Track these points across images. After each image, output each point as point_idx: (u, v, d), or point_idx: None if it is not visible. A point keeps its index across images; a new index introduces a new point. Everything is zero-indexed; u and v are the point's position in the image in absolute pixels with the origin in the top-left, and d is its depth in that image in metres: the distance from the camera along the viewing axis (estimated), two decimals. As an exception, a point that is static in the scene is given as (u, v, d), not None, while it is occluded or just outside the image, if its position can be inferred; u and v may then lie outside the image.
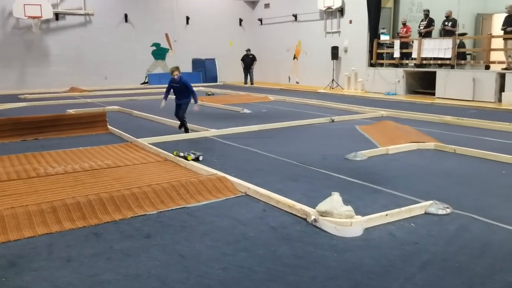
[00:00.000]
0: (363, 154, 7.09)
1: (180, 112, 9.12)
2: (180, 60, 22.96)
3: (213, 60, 23.15)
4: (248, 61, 22.12)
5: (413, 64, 16.57)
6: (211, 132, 9.07)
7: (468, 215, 4.55)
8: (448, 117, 10.55)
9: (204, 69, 23.03)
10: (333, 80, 18.96)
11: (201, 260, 3.68)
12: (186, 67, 23.22)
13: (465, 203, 4.91)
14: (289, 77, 22.63)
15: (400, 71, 16.61)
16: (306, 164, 6.69)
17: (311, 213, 4.46)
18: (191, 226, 4.41)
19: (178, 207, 4.89)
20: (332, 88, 18.70)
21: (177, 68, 8.99)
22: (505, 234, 4.12)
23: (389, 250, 3.83)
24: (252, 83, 21.93)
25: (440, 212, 4.59)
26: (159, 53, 22.81)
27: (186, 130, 9.23)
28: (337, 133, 9.23)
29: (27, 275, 3.47)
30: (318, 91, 18.14)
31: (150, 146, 7.69)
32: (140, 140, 8.17)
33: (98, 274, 3.47)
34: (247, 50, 22.24)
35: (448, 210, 4.63)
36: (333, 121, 10.67)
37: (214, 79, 23.02)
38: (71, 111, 11.68)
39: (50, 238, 4.15)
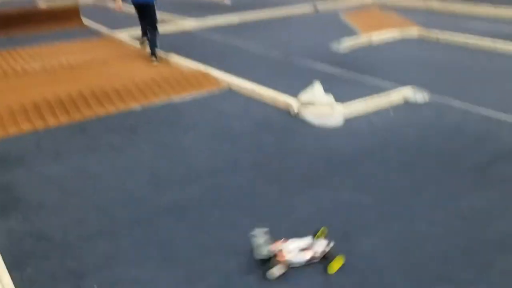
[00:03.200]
0: (347, 44, 7.02)
1: (149, 25, 6.43)
2: None
3: None
4: None
5: None
6: (192, 25, 8.77)
7: (445, 101, 4.68)
8: (434, 3, 10.26)
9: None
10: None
11: (187, 151, 3.81)
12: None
13: (443, 89, 5.01)
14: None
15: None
16: (289, 55, 6.63)
17: (294, 104, 4.53)
18: (176, 120, 4.48)
19: (162, 102, 4.91)
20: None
21: None
22: (479, 118, 4.29)
23: (367, 136, 3.99)
24: None
25: (419, 98, 4.71)
26: None
27: (153, 53, 6.33)
28: (321, 23, 9.01)
29: (19, 170, 3.57)
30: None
31: (130, 40, 7.46)
32: (118, 33, 7.89)
33: (88, 167, 3.58)
34: None
35: (426, 97, 4.74)
36: (317, 9, 10.33)
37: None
38: (42, 5, 11.04)
39: (37, 135, 4.20)
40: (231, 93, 5.16)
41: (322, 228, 2.55)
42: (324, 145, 3.86)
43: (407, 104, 4.66)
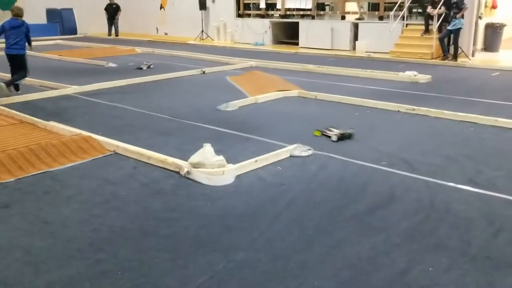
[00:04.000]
0: (234, 105, 7.25)
1: (20, 70, 7.71)
2: (32, 10, 20.58)
3: (70, 10, 21.19)
4: (112, 10, 20.68)
5: (278, 15, 17.04)
6: (73, 89, 8.44)
7: (326, 155, 4.99)
8: (310, 66, 11.20)
9: (61, 20, 21.00)
10: (202, 31, 18.73)
11: (69, 225, 3.51)
12: (40, 18, 20.94)
13: (324, 144, 5.36)
14: (157, 28, 21.77)
15: (266, 21, 16.99)
16: (178, 117, 6.64)
17: (184, 165, 4.49)
18: (55, 190, 4.15)
19: (39, 172, 4.54)
20: (202, 39, 18.50)
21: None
22: (357, 168, 4.62)
23: (258, 193, 4.06)
24: (117, 35, 20.66)
25: (303, 154, 4.96)
26: (5, 2, 20.10)
27: (16, 88, 7.83)
28: (208, 85, 9.25)
29: None
30: (188, 42, 17.81)
31: (2, 107, 6.91)
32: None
33: None
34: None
35: (310, 152, 5.02)
36: (204, 73, 10.64)
37: (73, 31, 21.19)
38: None
39: None
40: (117, 158, 4.96)
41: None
42: (216, 205, 3.83)
43: (293, 159, 4.87)
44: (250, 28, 17.30)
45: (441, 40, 11.80)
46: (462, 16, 11.38)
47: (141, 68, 11.25)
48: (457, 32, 11.50)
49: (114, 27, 20.81)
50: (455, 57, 11.69)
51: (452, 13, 11.41)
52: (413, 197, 3.93)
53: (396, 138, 5.62)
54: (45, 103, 7.51)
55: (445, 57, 11.80)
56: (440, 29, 12.15)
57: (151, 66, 11.41)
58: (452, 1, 11.48)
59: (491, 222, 3.49)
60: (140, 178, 4.41)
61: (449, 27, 11.55)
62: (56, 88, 8.61)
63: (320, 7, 16.71)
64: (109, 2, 20.64)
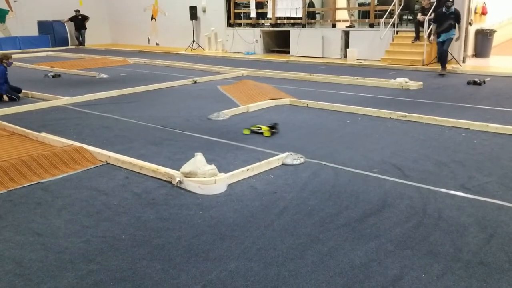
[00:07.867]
0: (225, 114, 7.26)
1: None
2: (23, 23, 20.59)
3: (61, 21, 21.23)
4: (78, 21, 21.19)
5: (268, 24, 17.14)
6: (64, 100, 8.41)
7: (318, 163, 5.00)
8: (301, 74, 11.25)
9: (53, 32, 21.00)
10: (193, 41, 18.77)
11: (60, 236, 3.48)
12: (31, 30, 20.91)
13: (316, 151, 5.37)
14: (148, 38, 21.81)
15: (257, 31, 17.08)
16: (169, 127, 6.63)
17: (176, 175, 4.48)
18: (46, 202, 4.12)
19: (30, 183, 4.51)
20: (194, 49, 18.54)
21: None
22: (349, 176, 4.63)
23: (250, 202, 4.05)
24: (83, 45, 21.26)
25: (295, 162, 4.97)
26: (-4, 14, 20.08)
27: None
28: (199, 94, 9.26)
29: None
30: (180, 52, 17.85)
31: (-8, 119, 6.88)
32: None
33: None
34: (76, 11, 21.08)
35: (302, 160, 5.03)
36: (195, 82, 10.65)
37: (65, 43, 21.20)
38: None
39: None
40: (109, 168, 4.94)
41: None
42: (208, 214, 3.82)
43: (285, 167, 4.87)
44: (241, 37, 17.37)
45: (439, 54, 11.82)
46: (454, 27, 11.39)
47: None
48: (450, 41, 11.52)
49: (81, 37, 21.29)
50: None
51: (448, 25, 11.24)
52: (406, 204, 3.94)
53: (388, 145, 5.64)
54: (37, 115, 7.48)
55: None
56: (430, 36, 12.21)
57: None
58: (449, 12, 11.21)
59: (484, 227, 3.50)
60: (132, 188, 4.39)
61: (441, 39, 11.52)
62: (47, 99, 8.59)
63: (311, 15, 16.81)
64: (75, 14, 21.06)
